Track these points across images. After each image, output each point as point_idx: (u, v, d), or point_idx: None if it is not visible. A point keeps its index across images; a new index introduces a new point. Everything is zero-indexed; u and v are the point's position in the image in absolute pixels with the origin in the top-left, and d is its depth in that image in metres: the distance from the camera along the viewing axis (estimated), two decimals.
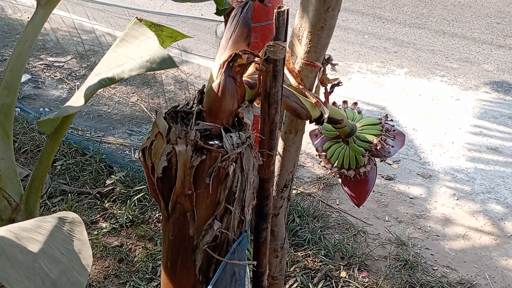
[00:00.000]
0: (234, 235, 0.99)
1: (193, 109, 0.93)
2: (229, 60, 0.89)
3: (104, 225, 2.62)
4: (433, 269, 2.43)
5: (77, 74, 4.48)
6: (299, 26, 1.15)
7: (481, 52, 5.11)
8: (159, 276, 2.28)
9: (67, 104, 0.82)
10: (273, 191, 1.42)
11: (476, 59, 4.96)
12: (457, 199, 2.97)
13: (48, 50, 4.92)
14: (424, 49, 5.20)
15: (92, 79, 0.80)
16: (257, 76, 0.98)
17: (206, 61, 4.67)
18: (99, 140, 3.35)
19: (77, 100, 0.81)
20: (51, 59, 4.73)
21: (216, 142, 0.89)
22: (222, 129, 0.90)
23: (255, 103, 1.05)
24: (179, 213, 0.94)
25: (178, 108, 0.94)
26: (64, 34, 5.03)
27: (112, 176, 2.89)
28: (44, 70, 4.51)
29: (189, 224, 0.94)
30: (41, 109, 3.79)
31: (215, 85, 0.90)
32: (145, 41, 0.80)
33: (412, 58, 4.99)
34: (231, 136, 0.89)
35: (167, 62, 0.75)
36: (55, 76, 4.41)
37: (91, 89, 0.77)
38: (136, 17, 0.88)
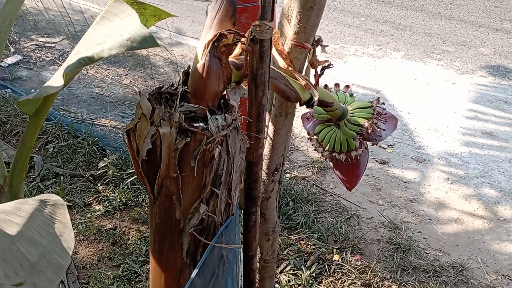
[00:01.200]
0: (221, 218, 0.97)
1: (177, 90, 0.91)
2: (214, 40, 0.87)
3: (97, 207, 2.61)
4: (426, 253, 2.45)
5: (69, 55, 4.41)
6: (288, 5, 1.12)
7: (478, 36, 5.07)
8: None
9: (47, 84, 0.80)
10: (264, 175, 1.40)
11: (473, 42, 4.92)
12: (450, 183, 2.98)
13: (39, 30, 4.84)
14: (421, 32, 5.15)
15: (72, 58, 0.78)
16: (243, 56, 0.95)
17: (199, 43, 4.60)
18: (92, 122, 3.32)
19: (56, 80, 0.79)
20: (43, 39, 4.66)
21: (201, 124, 0.87)
22: (207, 111, 0.88)
23: (242, 85, 1.03)
24: (165, 196, 0.93)
25: (162, 89, 0.92)
26: (55, 14, 4.94)
27: (105, 158, 2.87)
28: (36, 51, 4.44)
29: (175, 207, 0.93)
30: (32, 90, 3.74)
31: (199, 65, 0.88)
32: (126, 19, 0.77)
33: (408, 41, 4.94)
34: (216, 118, 0.87)
35: (148, 41, 0.72)
36: (46, 57, 4.35)
37: (70, 69, 0.74)
38: None
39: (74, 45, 4.51)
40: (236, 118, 0.90)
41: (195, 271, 0.91)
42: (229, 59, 0.93)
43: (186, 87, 0.91)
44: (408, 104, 3.80)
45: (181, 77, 0.92)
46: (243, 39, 0.89)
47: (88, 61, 0.74)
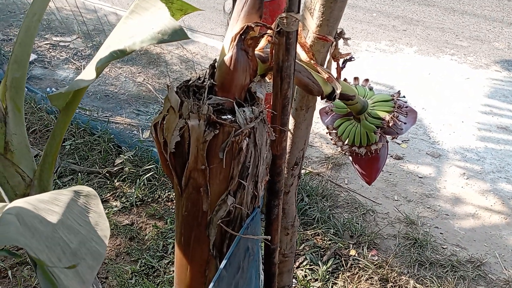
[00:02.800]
0: (248, 210, 0.98)
1: (204, 83, 0.92)
2: (241, 32, 0.87)
3: (114, 204, 2.64)
4: (443, 248, 2.44)
5: (82, 53, 4.45)
6: None
7: (492, 30, 5.01)
8: (170, 253, 2.30)
9: (79, 77, 0.81)
10: (284, 168, 1.41)
11: (487, 37, 4.87)
12: (466, 178, 2.95)
13: (53, 29, 4.89)
14: (434, 27, 5.11)
15: (103, 51, 0.79)
16: (269, 50, 0.96)
17: (212, 40, 4.62)
18: (107, 120, 3.35)
19: (88, 73, 0.80)
20: (56, 38, 4.70)
21: (229, 116, 0.88)
22: (234, 103, 0.89)
23: (266, 78, 1.03)
24: (192, 189, 0.93)
25: (189, 83, 0.92)
26: (68, 13, 4.99)
27: (121, 155, 2.90)
28: (50, 50, 4.49)
29: (202, 199, 0.94)
30: (48, 89, 3.79)
31: (227, 58, 0.89)
32: (156, 13, 0.78)
33: (421, 36, 4.90)
34: (244, 111, 0.88)
35: (179, 34, 0.73)
36: (61, 56, 4.39)
37: (103, 62, 0.75)
38: None
39: (87, 44, 4.56)
40: (263, 111, 0.91)
41: (224, 262, 0.92)
42: (255, 52, 0.93)
43: (213, 80, 0.91)
44: (422, 100, 3.78)
45: (208, 70, 0.93)
46: (269, 32, 0.89)
47: (120, 54, 0.75)
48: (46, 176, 0.98)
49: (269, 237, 1.13)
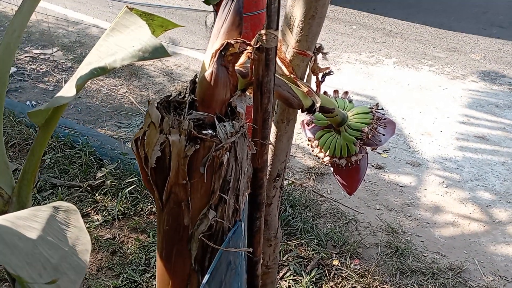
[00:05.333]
0: (229, 224, 0.99)
1: (185, 98, 0.93)
2: (221, 49, 0.89)
3: (95, 217, 2.61)
4: (424, 256, 2.47)
5: (63, 66, 4.42)
6: (290, 14, 1.15)
7: (468, 42, 5.16)
8: (153, 267, 2.28)
9: (58, 94, 0.81)
10: (266, 181, 1.42)
11: (463, 48, 5.01)
12: (446, 187, 3.01)
13: (33, 42, 4.84)
14: (412, 39, 5.23)
15: (83, 68, 0.79)
16: (249, 65, 0.98)
17: (194, 53, 4.64)
18: (88, 132, 3.31)
19: (68, 90, 0.80)
20: (37, 51, 4.66)
21: (210, 131, 0.89)
22: (215, 118, 0.90)
23: (247, 93, 1.05)
24: (174, 203, 0.94)
25: (170, 98, 0.93)
26: (49, 26, 4.95)
27: (102, 168, 2.87)
28: (30, 63, 4.44)
29: (184, 213, 0.94)
30: (27, 102, 3.74)
31: (207, 74, 0.90)
32: (137, 30, 0.79)
33: (400, 48, 5.02)
34: (224, 125, 0.89)
35: (159, 51, 0.74)
36: (41, 69, 4.35)
37: (83, 79, 0.76)
38: (127, 6, 0.87)
39: (68, 56, 4.53)
40: (244, 125, 0.92)
41: (206, 276, 0.92)
42: (235, 67, 0.95)
43: (193, 95, 0.93)
44: (402, 110, 3.85)
45: (189, 86, 0.94)
46: (249, 48, 0.91)
47: (101, 71, 0.75)
48: (25, 193, 0.97)
49: (251, 249, 1.14)
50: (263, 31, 0.90)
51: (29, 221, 0.65)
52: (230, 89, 0.93)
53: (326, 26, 5.43)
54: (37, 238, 0.61)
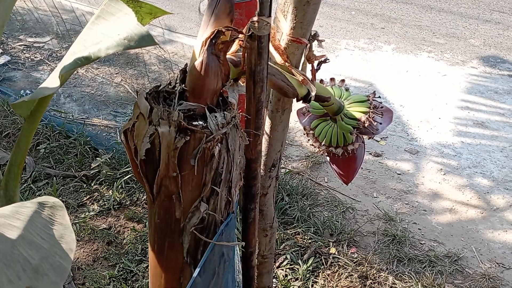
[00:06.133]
0: (222, 216, 0.97)
1: (175, 89, 0.90)
2: (211, 37, 0.86)
3: (91, 208, 2.59)
4: (421, 243, 2.47)
5: (58, 54, 4.36)
6: (284, 1, 1.11)
7: (468, 27, 5.10)
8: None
9: (42, 85, 0.78)
10: (261, 171, 1.40)
11: (463, 34, 4.95)
12: (444, 174, 3.00)
13: (27, 30, 4.77)
14: (411, 25, 5.17)
15: (68, 58, 0.76)
16: (241, 53, 0.95)
17: (191, 40, 4.57)
18: (83, 122, 3.28)
19: (52, 81, 0.77)
20: (31, 39, 4.59)
21: (200, 122, 0.87)
22: (206, 109, 0.87)
23: (240, 82, 1.02)
24: (164, 196, 0.92)
25: (160, 88, 0.91)
26: (44, 13, 4.87)
27: (97, 158, 2.84)
28: (24, 51, 4.38)
29: (175, 206, 0.92)
30: (21, 91, 3.69)
31: (197, 63, 0.87)
32: (122, 18, 0.76)
33: (399, 34, 4.96)
34: (215, 116, 0.87)
35: (146, 40, 0.71)
36: (35, 57, 4.29)
37: (67, 69, 0.73)
38: None
39: (63, 44, 4.47)
40: (235, 116, 0.89)
41: (197, 270, 0.90)
42: (227, 56, 0.92)
43: (184, 85, 0.90)
44: (400, 97, 3.82)
45: (179, 75, 0.91)
46: (241, 36, 0.88)
47: (85, 61, 0.73)
48: (12, 186, 0.95)
49: (243, 243, 1.12)
50: (255, 18, 0.87)
51: (10, 219, 0.63)
52: (222, 79, 0.91)
53: (324, 12, 5.36)
54: (17, 238, 0.59)
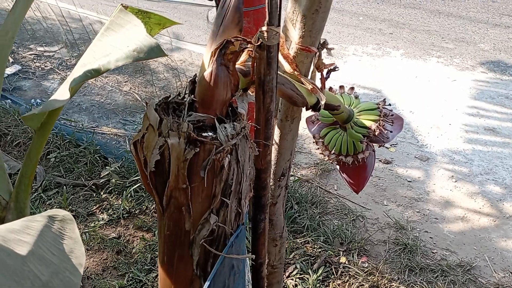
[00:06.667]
0: (231, 228, 0.96)
1: (185, 99, 0.90)
2: (220, 47, 0.85)
3: (101, 216, 2.60)
4: (433, 252, 2.43)
5: (68, 63, 4.40)
6: (292, 9, 1.10)
7: (477, 32, 5.06)
8: (158, 266, 2.26)
9: (52, 97, 0.78)
10: (271, 181, 1.39)
11: (472, 38, 4.92)
12: (455, 181, 2.96)
13: (37, 39, 4.83)
14: (420, 30, 5.14)
15: (78, 70, 0.76)
16: (250, 63, 0.94)
17: (199, 48, 4.59)
18: (93, 130, 3.30)
19: (62, 93, 0.77)
20: (41, 48, 4.64)
21: (210, 133, 0.86)
22: (215, 120, 0.87)
23: (249, 92, 1.02)
24: (174, 208, 0.91)
25: (169, 99, 0.90)
26: (53, 23, 4.93)
27: (107, 167, 2.85)
28: (34, 60, 4.42)
29: (184, 218, 0.92)
30: (32, 100, 3.73)
31: (207, 74, 0.86)
32: (132, 29, 0.76)
33: (407, 39, 4.93)
34: (225, 127, 0.86)
35: (155, 51, 0.71)
36: (45, 66, 4.33)
37: (77, 82, 0.73)
38: (122, 4, 0.84)
39: (72, 53, 4.51)
40: (245, 126, 0.89)
41: (207, 283, 0.89)
42: (236, 66, 0.91)
43: (193, 96, 0.89)
44: (410, 103, 3.79)
45: (188, 86, 0.91)
46: (249, 46, 0.87)
47: (95, 73, 0.72)
48: (23, 198, 0.95)
49: (253, 256, 1.11)
50: (264, 28, 0.86)
51: (21, 234, 0.63)
52: (231, 89, 0.90)
53: (332, 18, 5.36)
54: (27, 254, 0.58)
